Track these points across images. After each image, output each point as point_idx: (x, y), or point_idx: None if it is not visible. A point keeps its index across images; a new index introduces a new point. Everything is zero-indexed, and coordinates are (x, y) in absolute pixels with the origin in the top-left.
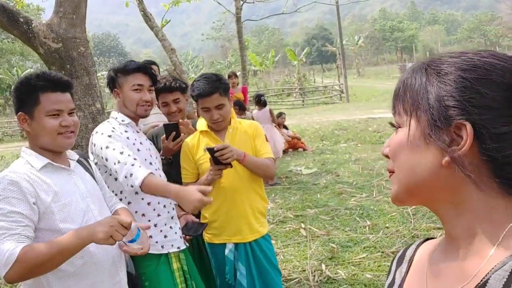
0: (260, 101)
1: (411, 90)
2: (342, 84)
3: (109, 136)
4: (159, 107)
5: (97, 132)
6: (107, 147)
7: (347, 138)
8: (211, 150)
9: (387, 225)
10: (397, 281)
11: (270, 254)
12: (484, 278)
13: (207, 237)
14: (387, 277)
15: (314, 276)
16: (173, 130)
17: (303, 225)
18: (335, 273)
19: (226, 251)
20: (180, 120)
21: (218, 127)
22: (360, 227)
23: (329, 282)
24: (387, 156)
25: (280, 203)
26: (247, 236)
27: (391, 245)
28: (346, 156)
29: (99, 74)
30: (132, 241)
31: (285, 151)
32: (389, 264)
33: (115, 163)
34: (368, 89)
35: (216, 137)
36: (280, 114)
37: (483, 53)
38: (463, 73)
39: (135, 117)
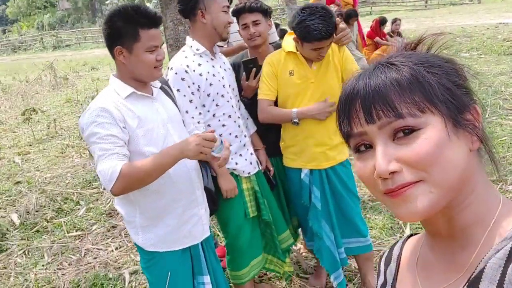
0: None
1: (414, 86)
2: None
3: (182, 79)
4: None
5: (172, 69)
6: (178, 90)
7: (471, 47)
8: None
9: (495, 150)
10: (389, 281)
11: (347, 180)
12: (477, 267)
13: (284, 160)
14: (378, 278)
15: None
16: (252, 66)
17: None
18: None
19: (302, 175)
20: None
21: (319, 61)
22: None
23: None
24: (391, 174)
25: None
26: (321, 163)
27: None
28: (465, 69)
29: None
30: (216, 151)
31: None
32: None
33: (186, 111)
34: None
35: (304, 61)
36: (395, 20)
37: (425, 53)
38: (449, 64)
39: (214, 40)
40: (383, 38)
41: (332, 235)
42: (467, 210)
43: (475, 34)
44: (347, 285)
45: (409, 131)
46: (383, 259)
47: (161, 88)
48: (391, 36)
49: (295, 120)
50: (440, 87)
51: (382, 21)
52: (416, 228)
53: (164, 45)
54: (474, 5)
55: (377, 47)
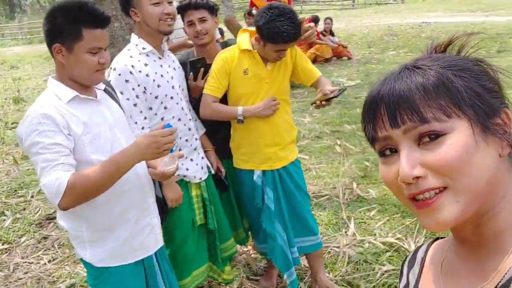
0: None
1: (440, 91)
2: None
3: (126, 81)
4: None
5: (115, 69)
6: (121, 93)
7: (397, 45)
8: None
9: None
10: (411, 283)
11: (298, 179)
12: (505, 275)
13: (235, 162)
14: (400, 280)
15: (345, 194)
16: (200, 65)
17: (338, 142)
18: (366, 192)
19: (254, 177)
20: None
21: (277, 61)
22: None
23: (358, 200)
24: (415, 179)
25: (318, 118)
26: (275, 164)
27: None
28: (393, 67)
29: None
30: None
31: (328, 60)
32: None
33: (130, 116)
34: None
35: (260, 59)
36: (326, 20)
37: (454, 55)
38: (478, 66)
39: (157, 37)
40: (317, 37)
41: (285, 235)
42: (497, 216)
43: (400, 33)
44: (298, 284)
45: (435, 136)
46: (406, 261)
47: (104, 90)
48: (324, 35)
49: (239, 118)
50: (467, 91)
51: (315, 20)
52: (359, 223)
53: None
54: (398, 5)
55: (311, 46)
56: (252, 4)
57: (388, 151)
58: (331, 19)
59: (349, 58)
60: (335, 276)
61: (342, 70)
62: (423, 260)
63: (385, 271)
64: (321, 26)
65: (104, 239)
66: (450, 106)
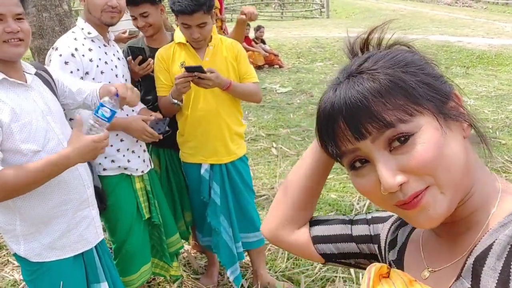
0: None
1: (395, 92)
2: None
3: (66, 63)
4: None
5: (57, 49)
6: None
7: (324, 57)
8: (189, 69)
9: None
10: (399, 244)
11: (246, 175)
12: (481, 247)
13: (182, 156)
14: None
15: None
16: (138, 53)
17: (274, 144)
18: None
19: (202, 171)
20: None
21: (197, 46)
22: None
23: None
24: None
25: (253, 121)
26: (223, 157)
27: None
28: (322, 76)
29: None
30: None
31: (260, 67)
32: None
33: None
34: (349, 5)
35: (194, 52)
36: (259, 28)
37: (388, 51)
38: (418, 56)
39: (102, 26)
40: (249, 44)
41: (231, 230)
42: (471, 198)
43: (327, 46)
44: (242, 279)
45: (404, 138)
46: (396, 218)
47: (37, 74)
48: (256, 43)
49: (173, 101)
50: (420, 85)
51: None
52: None
53: None
54: (323, 19)
55: None
56: None
57: (358, 163)
58: (263, 27)
59: (280, 67)
60: (275, 272)
61: (275, 77)
62: (407, 238)
63: (323, 265)
64: (252, 34)
65: (39, 232)
66: (409, 104)
